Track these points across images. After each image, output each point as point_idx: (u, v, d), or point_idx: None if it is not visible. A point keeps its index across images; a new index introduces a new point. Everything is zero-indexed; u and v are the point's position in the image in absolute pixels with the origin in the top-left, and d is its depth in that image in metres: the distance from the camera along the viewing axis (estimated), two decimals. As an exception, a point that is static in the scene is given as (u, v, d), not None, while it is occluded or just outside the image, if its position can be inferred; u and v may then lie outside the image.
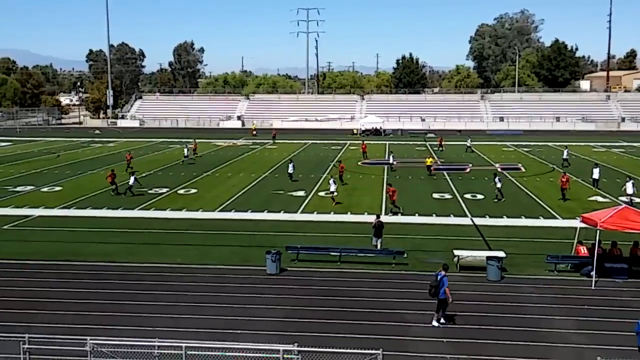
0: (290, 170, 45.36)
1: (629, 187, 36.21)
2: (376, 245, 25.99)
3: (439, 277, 18.44)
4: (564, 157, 53.59)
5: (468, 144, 66.25)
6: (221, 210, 35.16)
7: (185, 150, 57.66)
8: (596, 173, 41.34)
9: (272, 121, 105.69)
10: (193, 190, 41.48)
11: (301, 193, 40.42)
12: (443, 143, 68.42)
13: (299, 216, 33.89)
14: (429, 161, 48.98)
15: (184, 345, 13.94)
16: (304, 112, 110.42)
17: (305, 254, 25.07)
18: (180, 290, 21.51)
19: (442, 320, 18.57)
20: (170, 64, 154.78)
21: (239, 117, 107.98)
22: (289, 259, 24.67)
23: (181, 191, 41.29)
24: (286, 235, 28.75)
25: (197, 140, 66.59)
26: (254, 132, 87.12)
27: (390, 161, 53.12)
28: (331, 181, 37.38)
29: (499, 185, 37.53)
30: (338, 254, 24.91)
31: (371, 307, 19.86)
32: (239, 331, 17.89)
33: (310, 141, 77.79)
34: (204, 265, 24.50)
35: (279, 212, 34.66)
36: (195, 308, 19.83)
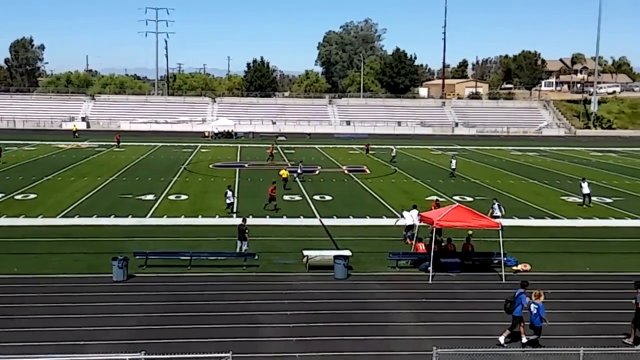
0: None
1: (496, 209, 32.38)
2: (241, 249, 25.96)
3: (517, 293, 17.74)
4: (393, 154, 59.36)
5: (393, 153, 62.86)
6: (64, 216, 33.41)
7: None
8: (454, 163, 47.61)
9: (119, 123, 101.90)
10: (32, 196, 39.01)
11: (150, 197, 39.44)
12: (369, 147, 69.77)
13: (148, 220, 33.07)
14: (284, 174, 44.36)
15: (22, 360, 13.20)
16: (153, 114, 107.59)
17: (154, 260, 24.54)
18: (19, 303, 20.22)
19: (502, 339, 17.52)
20: (6, 61, 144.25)
21: (83, 119, 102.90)
22: (138, 265, 24.04)
23: (18, 196, 38.70)
24: (134, 241, 27.96)
25: (32, 144, 61.95)
26: (76, 134, 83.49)
27: (298, 171, 48.42)
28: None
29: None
30: (188, 258, 24.65)
31: (222, 310, 19.90)
32: (83, 342, 17.17)
33: (160, 144, 76.00)
34: (45, 274, 23.20)
35: (127, 216, 33.60)
36: (36, 320, 18.74)
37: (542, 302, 17.10)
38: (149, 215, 34.35)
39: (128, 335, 17.71)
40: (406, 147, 75.51)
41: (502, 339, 17.59)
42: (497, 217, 31.38)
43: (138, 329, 18.28)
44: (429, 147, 78.06)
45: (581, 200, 38.55)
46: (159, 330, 18.29)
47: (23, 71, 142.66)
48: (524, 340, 17.49)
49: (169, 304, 20.44)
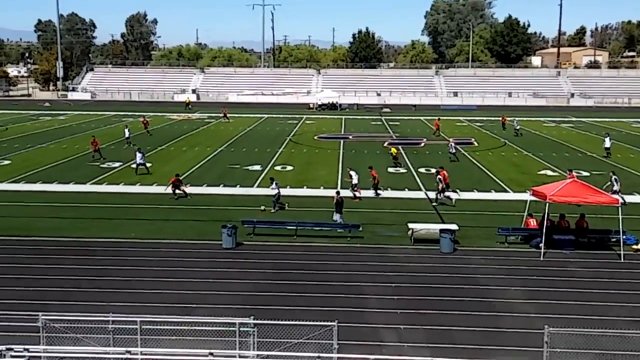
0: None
1: (615, 184, 30.59)
2: (336, 221, 26.10)
3: None
4: (517, 127, 58.70)
5: (516, 127, 59.24)
6: (176, 185, 34.72)
7: (126, 131, 50.41)
8: (607, 142, 45.83)
9: (227, 95, 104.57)
10: (147, 165, 40.78)
11: (257, 167, 40.27)
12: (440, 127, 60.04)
13: (255, 190, 33.80)
14: (394, 151, 42.51)
15: (138, 319, 13.84)
16: (259, 85, 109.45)
17: (261, 228, 25.07)
18: (135, 265, 21.32)
19: None
20: (122, 36, 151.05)
21: (193, 91, 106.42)
22: (245, 233, 24.63)
23: (134, 165, 40.57)
24: (242, 210, 28.68)
25: (147, 116, 64.76)
26: (189, 106, 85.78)
27: (452, 150, 43.94)
28: (352, 173, 32.23)
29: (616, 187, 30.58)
30: (294, 227, 24.98)
31: (327, 280, 20.05)
32: (194, 305, 17.86)
33: (266, 115, 77.34)
34: (159, 240, 24.28)
35: (235, 186, 34.50)
36: (151, 283, 19.69)
37: None
38: (255, 185, 35.09)
39: (237, 301, 18.22)
40: (517, 119, 72.55)
41: None
42: (616, 191, 29.68)
43: (246, 295, 18.76)
44: (541, 119, 74.69)
45: None
46: (267, 297, 18.68)
47: (138, 45, 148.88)
48: None
49: (276, 272, 20.83)
